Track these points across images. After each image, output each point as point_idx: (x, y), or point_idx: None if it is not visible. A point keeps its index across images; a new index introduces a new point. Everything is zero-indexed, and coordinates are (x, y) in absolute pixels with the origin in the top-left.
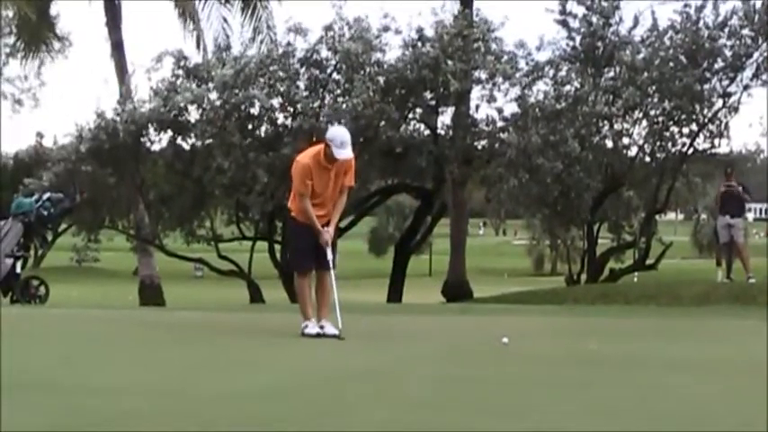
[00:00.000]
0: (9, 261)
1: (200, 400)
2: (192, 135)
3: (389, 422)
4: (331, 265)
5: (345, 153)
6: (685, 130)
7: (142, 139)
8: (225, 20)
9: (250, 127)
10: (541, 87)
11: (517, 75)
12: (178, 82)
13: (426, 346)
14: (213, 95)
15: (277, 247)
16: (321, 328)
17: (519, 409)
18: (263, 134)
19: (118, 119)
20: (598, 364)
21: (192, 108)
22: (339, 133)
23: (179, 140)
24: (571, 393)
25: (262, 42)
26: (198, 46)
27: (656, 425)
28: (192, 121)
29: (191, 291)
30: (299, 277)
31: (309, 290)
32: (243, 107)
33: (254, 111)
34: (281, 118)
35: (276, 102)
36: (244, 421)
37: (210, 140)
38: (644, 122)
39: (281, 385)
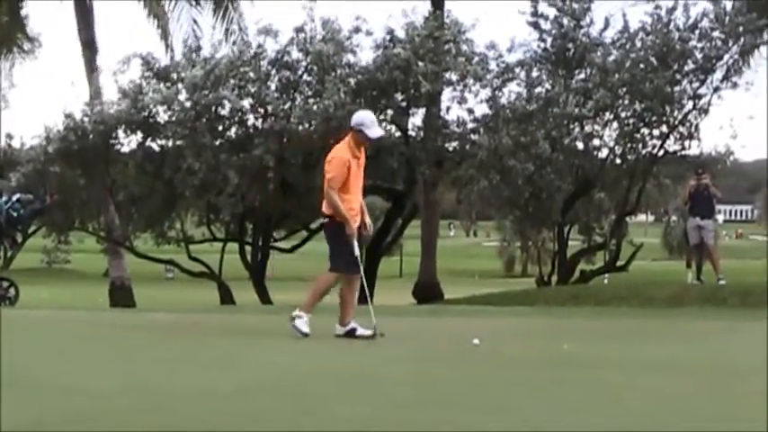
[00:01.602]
0: None
1: (182, 398)
2: (162, 136)
3: (372, 419)
4: (359, 261)
5: (379, 131)
6: (656, 132)
7: (111, 141)
8: (195, 21)
9: (220, 128)
10: (512, 89)
11: (488, 76)
12: (146, 83)
13: (399, 348)
14: (183, 96)
15: (248, 248)
16: (353, 329)
17: (498, 408)
18: (233, 135)
19: (87, 120)
20: (571, 365)
21: (161, 109)
22: (366, 115)
23: (149, 142)
24: (546, 393)
25: (233, 44)
26: (167, 47)
27: (630, 425)
28: (162, 122)
29: (161, 292)
30: (333, 277)
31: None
32: (213, 108)
33: (225, 112)
34: (251, 119)
35: (247, 103)
36: (224, 418)
37: (181, 142)
38: (615, 124)
39: (261, 383)
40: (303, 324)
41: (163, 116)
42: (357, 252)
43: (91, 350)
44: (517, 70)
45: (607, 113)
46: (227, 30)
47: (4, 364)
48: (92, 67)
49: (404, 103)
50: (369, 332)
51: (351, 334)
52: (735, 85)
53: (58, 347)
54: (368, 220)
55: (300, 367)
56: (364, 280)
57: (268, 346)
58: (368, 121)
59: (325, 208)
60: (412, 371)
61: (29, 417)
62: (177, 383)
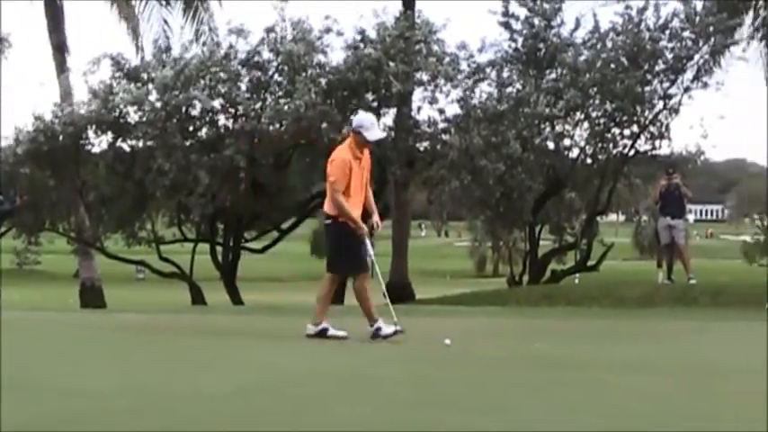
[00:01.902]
0: None
1: (176, 399)
2: (133, 137)
3: (368, 419)
4: (374, 261)
5: (378, 133)
6: (626, 132)
7: (82, 142)
8: (165, 21)
9: (191, 128)
10: (484, 89)
11: (459, 76)
12: (116, 84)
13: (372, 347)
14: (153, 97)
15: (219, 248)
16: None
17: (476, 407)
18: (204, 136)
19: (56, 121)
20: (544, 365)
21: (131, 109)
22: (366, 117)
23: (119, 142)
24: (518, 393)
25: (203, 44)
26: (137, 48)
27: (602, 424)
28: (133, 122)
29: (132, 293)
30: (362, 280)
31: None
32: (184, 109)
33: (196, 112)
34: (222, 119)
35: (217, 103)
36: (221, 419)
37: (151, 142)
38: (585, 124)
39: (228, 387)
40: (386, 330)
41: (133, 116)
42: (371, 251)
43: (67, 351)
44: (488, 70)
45: (578, 113)
46: (197, 30)
47: None
48: (62, 68)
49: (375, 104)
50: (342, 333)
51: (322, 334)
52: (705, 85)
53: (35, 348)
54: (376, 218)
55: (292, 368)
56: (380, 278)
57: (246, 348)
58: (367, 123)
59: (327, 208)
60: (390, 372)
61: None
62: (169, 384)
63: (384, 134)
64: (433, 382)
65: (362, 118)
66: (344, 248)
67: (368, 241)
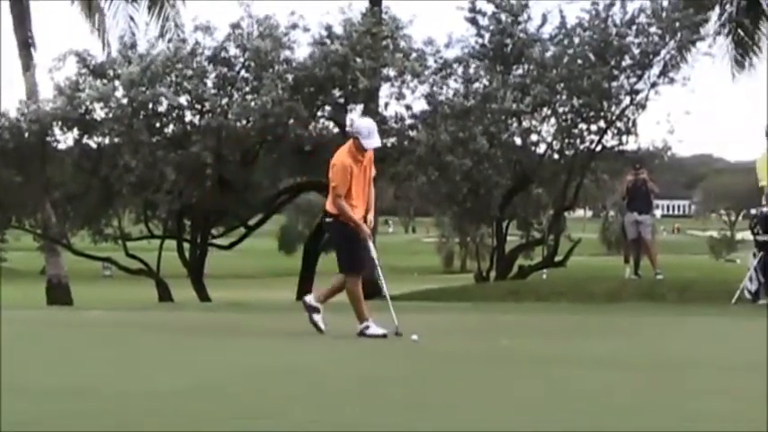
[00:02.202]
0: None
1: (127, 397)
2: (99, 133)
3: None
4: (377, 262)
5: (375, 142)
6: (593, 128)
7: (48, 138)
8: (131, 18)
9: (158, 125)
10: (451, 85)
11: (426, 72)
12: (82, 80)
13: (341, 345)
14: (120, 93)
15: (186, 245)
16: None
17: (438, 405)
18: (170, 132)
19: (22, 118)
20: (510, 361)
21: (98, 106)
22: (365, 124)
23: (86, 139)
24: (486, 389)
25: (169, 41)
26: (103, 44)
27: (571, 420)
28: (99, 119)
29: (99, 290)
30: (353, 278)
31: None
32: (150, 105)
33: (162, 108)
34: (188, 116)
35: (184, 99)
36: (169, 419)
37: (118, 139)
38: (552, 119)
39: (198, 383)
40: (375, 329)
41: (99, 113)
42: (373, 251)
43: (30, 349)
44: (455, 66)
45: (545, 109)
46: (163, 26)
47: None
48: (28, 65)
49: (342, 100)
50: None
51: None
52: (672, 81)
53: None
54: (370, 216)
55: (251, 365)
56: (382, 278)
57: (210, 345)
58: (365, 131)
59: (329, 207)
60: (354, 369)
61: None
62: (123, 384)
63: (380, 143)
64: (395, 378)
65: (360, 125)
66: (344, 246)
67: (370, 244)
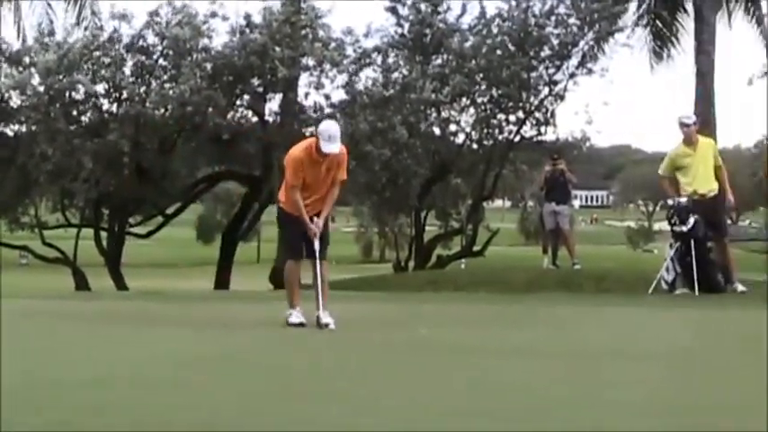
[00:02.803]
0: None
1: (29, 388)
2: (16, 121)
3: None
4: (317, 255)
5: (332, 147)
6: (512, 118)
7: None
8: (49, 5)
9: (75, 113)
10: (370, 74)
11: (345, 62)
12: None
13: (257, 334)
14: (36, 81)
15: (103, 234)
16: (318, 318)
17: (348, 396)
18: (88, 120)
19: None
20: (429, 351)
21: (14, 94)
22: (328, 127)
23: (1, 127)
24: (401, 380)
25: (86, 28)
26: (18, 32)
27: (487, 411)
28: (15, 107)
29: (15, 278)
30: (289, 264)
31: (299, 280)
32: (67, 93)
33: (79, 97)
34: (106, 104)
35: (101, 88)
36: (73, 409)
37: (35, 127)
38: (471, 110)
39: (112, 373)
40: (295, 318)
41: (16, 101)
42: (316, 243)
43: None
44: (374, 56)
45: (464, 99)
46: (80, 14)
47: None
48: None
49: (261, 89)
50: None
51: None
52: (590, 72)
53: None
54: (317, 220)
55: (154, 356)
56: (318, 268)
57: (123, 334)
58: (325, 134)
59: (280, 195)
60: (267, 359)
61: None
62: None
63: (337, 150)
64: (311, 368)
65: (322, 129)
66: (285, 232)
67: (315, 241)
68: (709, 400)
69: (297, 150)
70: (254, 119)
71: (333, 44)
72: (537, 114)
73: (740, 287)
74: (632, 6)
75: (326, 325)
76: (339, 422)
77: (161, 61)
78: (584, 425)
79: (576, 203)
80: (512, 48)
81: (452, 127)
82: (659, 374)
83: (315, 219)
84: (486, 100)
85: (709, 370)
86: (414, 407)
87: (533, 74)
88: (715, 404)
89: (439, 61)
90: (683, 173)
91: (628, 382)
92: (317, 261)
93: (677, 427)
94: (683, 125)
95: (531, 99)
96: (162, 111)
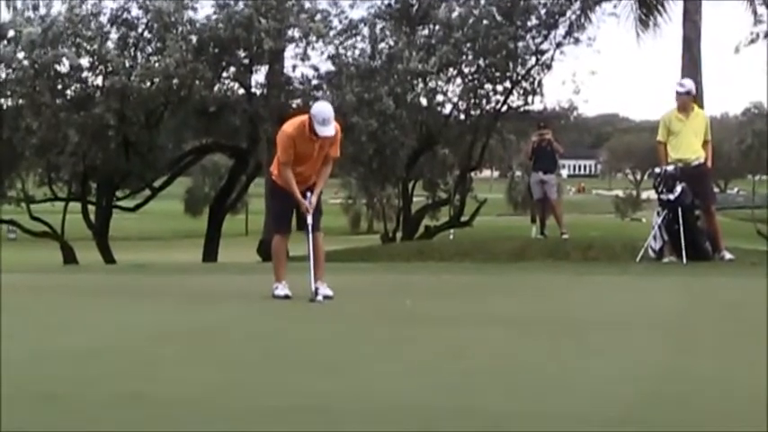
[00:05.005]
0: None
1: (12, 363)
2: (1, 95)
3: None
4: (311, 228)
5: (327, 130)
6: (499, 88)
7: None
8: None
9: (60, 87)
10: (356, 45)
11: (331, 33)
12: None
13: (243, 306)
14: (21, 55)
15: (91, 207)
16: (316, 289)
17: (334, 366)
18: (73, 94)
19: None
20: (415, 321)
21: None
22: (322, 109)
23: None
24: (387, 350)
25: (69, 1)
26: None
27: (471, 380)
28: (0, 81)
29: (3, 253)
30: (276, 237)
31: (287, 253)
32: (52, 66)
33: (64, 70)
34: (91, 77)
35: (86, 61)
36: (58, 382)
37: (20, 101)
38: (458, 80)
39: (100, 345)
40: (280, 290)
41: (1, 75)
42: (309, 219)
43: None
44: (360, 27)
45: (451, 69)
46: None
47: None
48: None
49: (246, 61)
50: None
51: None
52: (577, 41)
53: None
54: (313, 199)
55: (141, 328)
56: (311, 242)
57: (111, 307)
58: (319, 118)
59: (273, 169)
60: (255, 330)
61: None
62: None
63: (330, 134)
64: (290, 339)
65: (316, 112)
66: (273, 205)
67: (309, 216)
68: (697, 367)
69: (289, 128)
70: (241, 91)
71: (319, 16)
72: (524, 84)
73: (728, 255)
74: None
75: (327, 296)
76: (325, 391)
77: (146, 34)
78: (570, 392)
79: (564, 173)
80: (499, 17)
81: (439, 97)
82: (646, 342)
83: (308, 194)
84: (473, 70)
85: (696, 338)
86: (394, 376)
87: (520, 43)
88: (702, 372)
89: (425, 32)
90: (672, 139)
91: (615, 350)
92: (311, 234)
93: (664, 394)
94: (677, 93)
95: (519, 69)
96: (148, 84)
